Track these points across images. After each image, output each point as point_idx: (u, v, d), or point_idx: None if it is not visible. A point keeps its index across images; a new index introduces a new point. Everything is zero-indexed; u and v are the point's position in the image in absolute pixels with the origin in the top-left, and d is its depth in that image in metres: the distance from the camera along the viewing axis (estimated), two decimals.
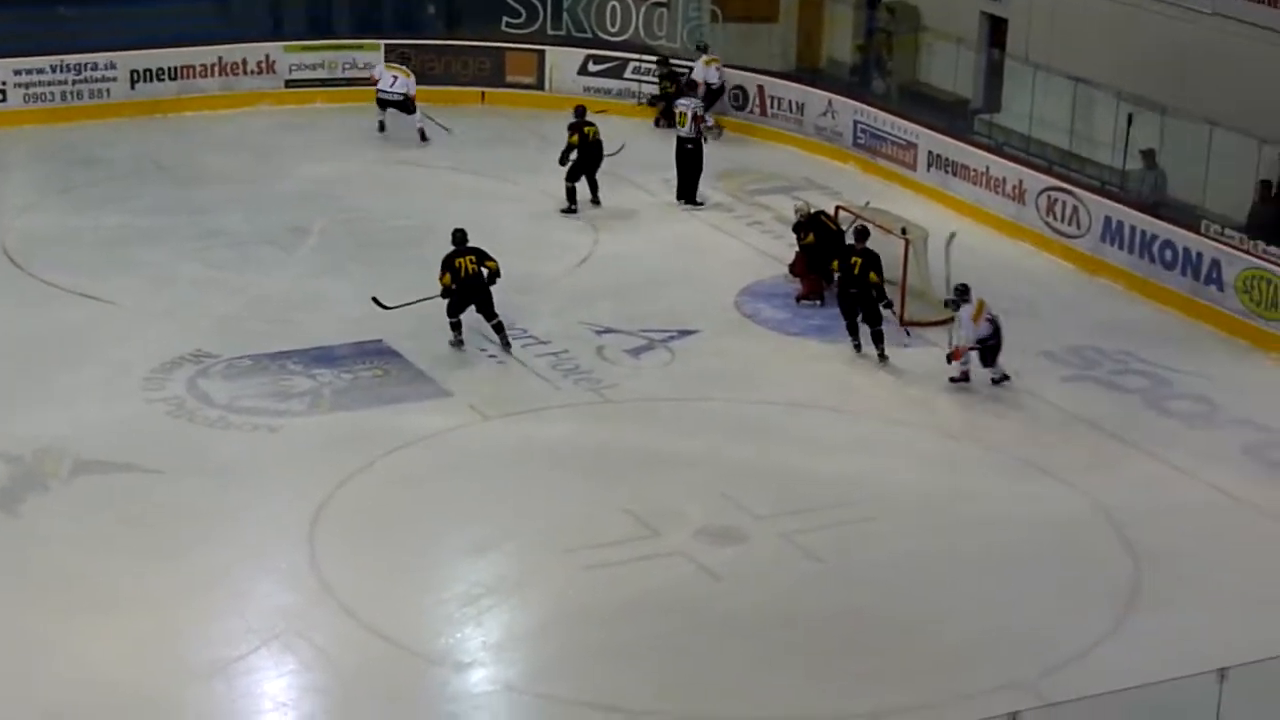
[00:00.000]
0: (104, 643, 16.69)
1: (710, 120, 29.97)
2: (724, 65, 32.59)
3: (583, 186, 28.28)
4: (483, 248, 23.17)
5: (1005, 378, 22.47)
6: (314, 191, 28.92)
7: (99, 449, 20.17)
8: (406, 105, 31.44)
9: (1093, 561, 18.77)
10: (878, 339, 23.23)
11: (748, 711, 16.26)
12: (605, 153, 28.51)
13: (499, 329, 23.11)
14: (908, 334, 23.50)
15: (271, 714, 16.04)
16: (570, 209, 28.23)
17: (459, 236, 23.26)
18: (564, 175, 28.17)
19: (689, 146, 28.79)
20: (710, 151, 29.33)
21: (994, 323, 22.34)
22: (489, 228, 26.60)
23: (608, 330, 23.79)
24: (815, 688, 16.59)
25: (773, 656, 17.02)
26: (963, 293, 22.36)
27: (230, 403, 21.49)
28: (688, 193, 28.74)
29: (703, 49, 32.56)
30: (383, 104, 31.59)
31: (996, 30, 31.64)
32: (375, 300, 23.50)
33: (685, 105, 29.05)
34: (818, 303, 24.59)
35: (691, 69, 32.30)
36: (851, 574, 18.42)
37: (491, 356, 22.99)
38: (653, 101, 32.88)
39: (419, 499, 19.62)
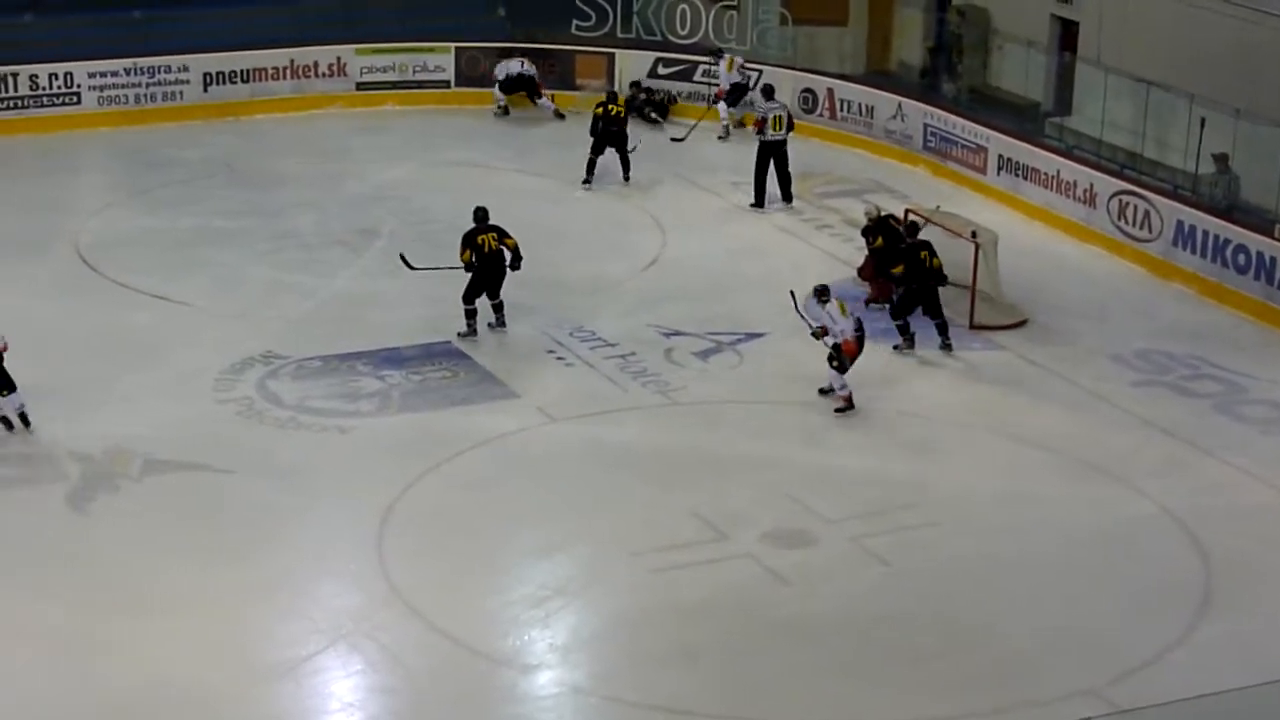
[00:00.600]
0: (172, 642, 16.78)
1: (726, 119, 31.45)
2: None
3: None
4: (503, 227, 23.41)
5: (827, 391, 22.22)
6: (384, 194, 29.03)
7: (169, 449, 20.29)
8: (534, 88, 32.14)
9: (1163, 567, 18.66)
10: (943, 330, 23.21)
11: (813, 716, 16.25)
12: (628, 146, 29.16)
13: (498, 308, 23.49)
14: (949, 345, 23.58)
15: (339, 714, 16.11)
16: (586, 182, 29.21)
17: (480, 214, 23.52)
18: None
19: (782, 149, 28.69)
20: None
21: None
22: (556, 229, 26.76)
23: (675, 333, 23.78)
24: (881, 692, 16.54)
25: (839, 661, 16.98)
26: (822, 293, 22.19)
27: (300, 404, 21.59)
28: (786, 193, 28.79)
29: (717, 53, 32.67)
30: (511, 86, 32.19)
31: (1067, 33, 31.49)
32: (402, 257, 23.94)
33: (777, 109, 28.89)
34: (886, 306, 24.51)
35: (759, 71, 32.22)
36: (919, 578, 18.37)
37: (559, 359, 23.01)
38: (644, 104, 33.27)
39: (486, 501, 19.66)
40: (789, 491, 19.79)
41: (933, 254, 23.29)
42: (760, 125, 28.69)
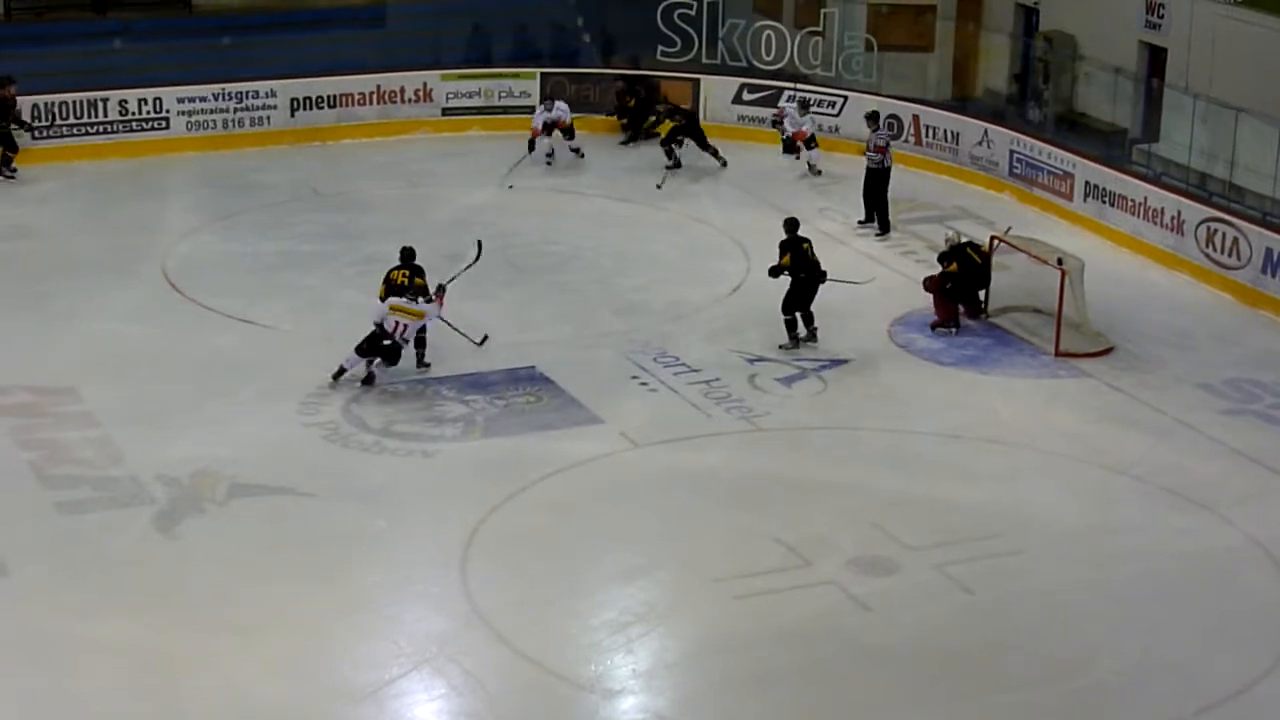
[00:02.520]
0: (255, 664, 16.86)
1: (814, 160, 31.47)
2: (886, 95, 32.63)
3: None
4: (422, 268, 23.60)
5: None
6: (468, 218, 29.10)
7: (255, 472, 20.40)
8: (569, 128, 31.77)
9: (1250, 597, 18.48)
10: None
11: None
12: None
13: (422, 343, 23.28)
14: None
15: None
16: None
17: (405, 254, 23.71)
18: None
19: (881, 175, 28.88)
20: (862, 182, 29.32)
21: None
22: (641, 254, 26.77)
23: (759, 358, 23.75)
24: None
25: (922, 689, 16.89)
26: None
27: (385, 428, 21.66)
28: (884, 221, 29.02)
29: (802, 102, 32.45)
30: (548, 128, 31.85)
31: (1155, 59, 31.34)
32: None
33: (883, 138, 29.03)
34: (952, 330, 24.45)
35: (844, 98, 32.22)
36: (1002, 606, 18.26)
37: (643, 384, 23.01)
38: (621, 114, 33.47)
39: (570, 525, 19.67)
40: (872, 518, 19.71)
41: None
42: (882, 151, 28.77)
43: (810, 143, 31.45)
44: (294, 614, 17.67)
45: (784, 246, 24.07)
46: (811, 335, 24.02)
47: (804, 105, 31.70)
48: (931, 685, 16.95)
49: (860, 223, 28.97)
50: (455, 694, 16.60)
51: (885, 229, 28.66)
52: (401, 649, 17.16)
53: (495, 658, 17.10)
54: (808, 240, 24.26)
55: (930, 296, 25.03)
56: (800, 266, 23.91)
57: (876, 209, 28.79)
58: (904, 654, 17.39)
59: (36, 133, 30.69)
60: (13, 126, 29.81)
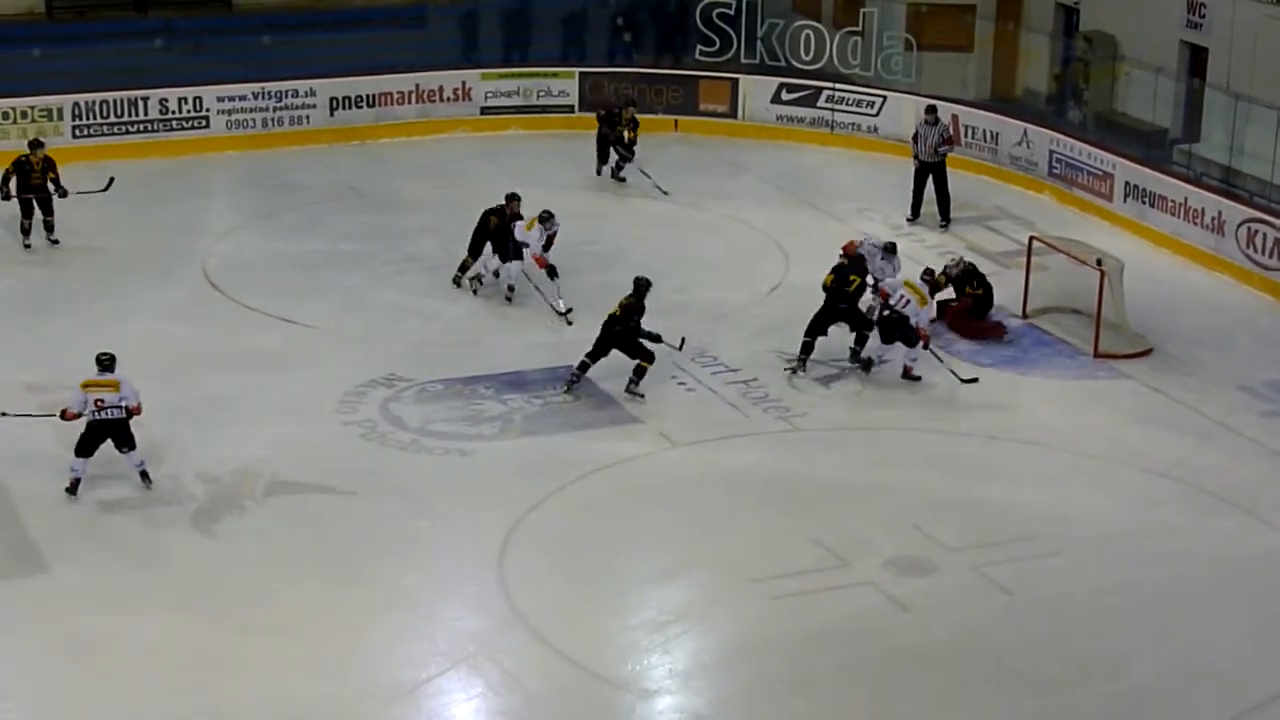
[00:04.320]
0: (294, 662, 16.91)
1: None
2: (925, 95, 32.53)
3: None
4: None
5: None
6: None
7: (293, 471, 20.45)
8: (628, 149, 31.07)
9: None
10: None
11: None
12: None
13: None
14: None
15: None
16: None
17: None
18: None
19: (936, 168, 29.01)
20: (905, 184, 29.25)
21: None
22: (681, 255, 26.77)
23: (785, 354, 23.70)
24: None
25: (959, 689, 16.87)
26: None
27: (422, 426, 21.70)
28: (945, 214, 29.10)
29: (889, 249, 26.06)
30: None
31: (1196, 59, 31.21)
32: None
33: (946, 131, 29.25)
34: (1003, 336, 24.44)
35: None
36: (1040, 608, 18.22)
37: (681, 384, 23.01)
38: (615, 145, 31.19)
39: (608, 525, 19.68)
40: (910, 519, 19.69)
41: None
42: (949, 144, 29.30)
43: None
44: (331, 612, 17.72)
45: (834, 268, 23.77)
46: (862, 364, 23.58)
47: (889, 250, 25.35)
48: (969, 687, 16.93)
49: (909, 220, 28.95)
50: (493, 693, 16.63)
51: (947, 220, 28.69)
52: (439, 648, 17.19)
53: (533, 657, 17.12)
54: (858, 277, 23.50)
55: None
56: (833, 293, 23.54)
57: (940, 202, 28.78)
58: (941, 655, 17.37)
59: (76, 131, 30.76)
60: (52, 191, 26.91)
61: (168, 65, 33.10)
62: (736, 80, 34.07)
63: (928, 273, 23.72)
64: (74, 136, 31.15)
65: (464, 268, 25.71)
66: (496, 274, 25.49)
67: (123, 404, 19.55)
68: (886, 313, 23.16)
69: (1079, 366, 23.78)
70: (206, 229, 28.36)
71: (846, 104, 33.25)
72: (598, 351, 22.47)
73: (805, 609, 18.03)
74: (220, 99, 32.20)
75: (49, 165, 26.84)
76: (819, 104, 33.50)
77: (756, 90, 33.94)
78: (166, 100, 31.87)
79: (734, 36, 34.35)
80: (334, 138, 32.76)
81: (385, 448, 21.23)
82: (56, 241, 27.10)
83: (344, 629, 17.47)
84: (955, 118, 31.93)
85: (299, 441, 21.24)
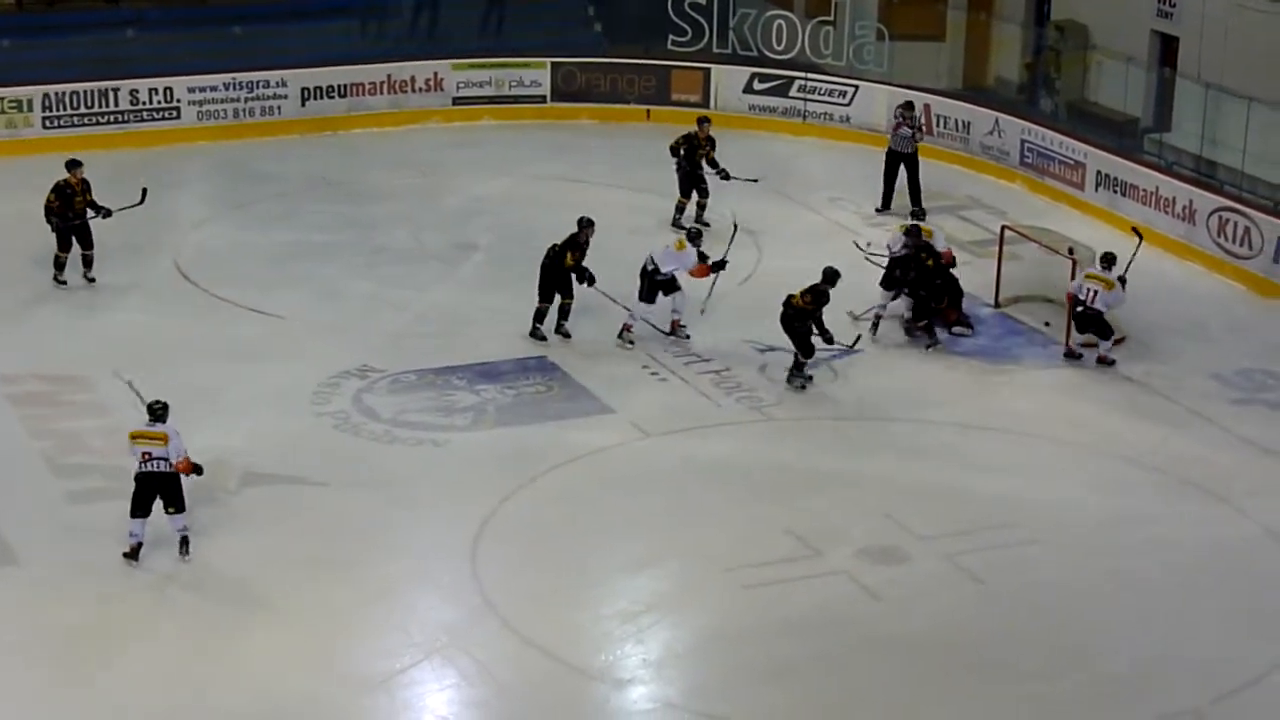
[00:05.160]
0: (267, 653, 16.89)
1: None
2: (897, 85, 32.61)
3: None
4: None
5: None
6: (480, 208, 29.13)
7: (267, 462, 20.42)
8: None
9: (1263, 587, 18.48)
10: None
11: None
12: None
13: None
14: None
15: None
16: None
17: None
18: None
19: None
20: (877, 174, 29.27)
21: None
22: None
23: (770, 348, 23.71)
24: (976, 711, 16.46)
25: (933, 679, 16.89)
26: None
27: (395, 417, 21.67)
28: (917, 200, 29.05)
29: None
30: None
31: (1167, 48, 31.27)
32: None
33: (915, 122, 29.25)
34: (968, 331, 24.39)
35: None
36: (1014, 596, 18.25)
37: (653, 374, 23.01)
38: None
39: (580, 515, 19.67)
40: (883, 508, 19.71)
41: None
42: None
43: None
44: (305, 603, 17.70)
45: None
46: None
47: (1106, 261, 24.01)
48: (942, 675, 16.95)
49: (879, 210, 29.01)
50: (466, 683, 16.62)
51: (920, 209, 28.70)
52: (412, 638, 17.18)
53: (506, 647, 17.12)
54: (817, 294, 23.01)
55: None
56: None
57: (911, 191, 28.85)
58: (915, 644, 17.39)
59: (47, 122, 30.56)
60: (89, 216, 25.23)
61: (139, 56, 33.00)
62: (709, 70, 34.05)
63: (1106, 258, 23.45)
64: (44, 128, 31.06)
65: (540, 316, 23.94)
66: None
67: (169, 458, 18.18)
68: (1080, 309, 23.07)
69: (1052, 355, 23.81)
70: (178, 220, 28.27)
71: (819, 93, 33.26)
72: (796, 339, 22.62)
73: (778, 598, 18.05)
74: (191, 90, 32.11)
75: (86, 186, 25.18)
76: (791, 94, 33.50)
77: (729, 80, 33.92)
78: (137, 91, 31.77)
79: (706, 26, 34.32)
80: (306, 128, 32.68)
81: (358, 439, 21.21)
82: (93, 279, 25.33)
83: (317, 620, 17.44)
84: (928, 107, 31.96)
85: (273, 433, 21.20)
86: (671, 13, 34.24)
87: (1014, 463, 21.09)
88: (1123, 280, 23.41)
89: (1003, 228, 25.84)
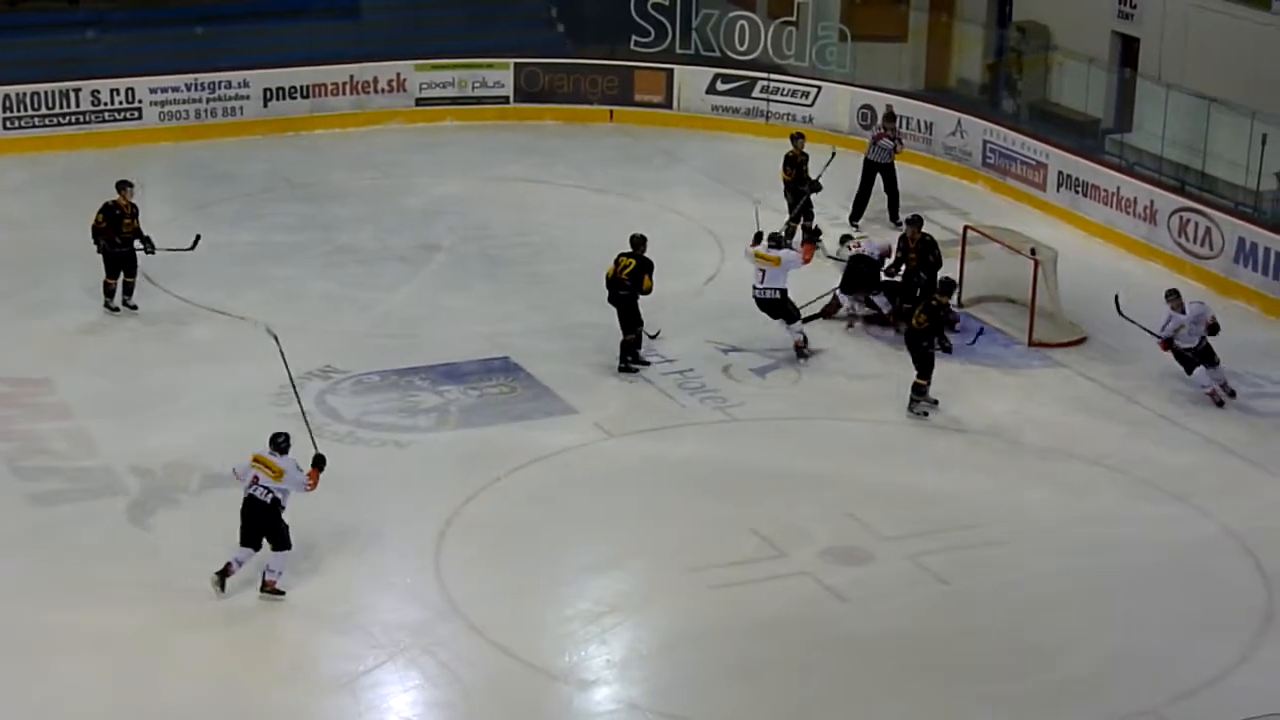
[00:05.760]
0: (230, 655, 16.86)
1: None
2: (859, 86, 32.65)
3: None
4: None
5: None
6: (443, 209, 29.10)
7: (228, 463, 20.22)
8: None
9: (1225, 587, 18.54)
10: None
11: None
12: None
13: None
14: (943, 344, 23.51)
15: None
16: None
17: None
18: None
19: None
20: (840, 175, 29.25)
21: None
22: (615, 245, 26.68)
23: (734, 349, 23.75)
24: (939, 711, 16.50)
25: (897, 679, 16.92)
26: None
27: (359, 418, 21.64)
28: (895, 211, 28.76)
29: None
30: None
31: (1128, 49, 31.40)
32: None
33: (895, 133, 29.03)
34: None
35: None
36: (977, 596, 18.30)
37: (618, 374, 23.01)
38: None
39: (544, 516, 19.66)
40: (847, 508, 19.74)
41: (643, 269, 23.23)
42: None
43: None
44: (267, 605, 17.65)
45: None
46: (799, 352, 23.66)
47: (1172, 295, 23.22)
48: (905, 675, 16.98)
49: (854, 223, 28.46)
50: (430, 685, 16.60)
51: (899, 220, 28.36)
52: (376, 640, 17.15)
53: (470, 648, 17.11)
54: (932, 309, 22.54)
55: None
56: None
57: (890, 202, 28.67)
58: (878, 644, 17.43)
59: (8, 123, 30.36)
60: (137, 245, 24.59)
61: (100, 56, 32.89)
62: (671, 71, 34.08)
63: (1172, 294, 22.73)
64: (5, 128, 30.94)
65: (632, 346, 23.31)
66: None
67: (277, 492, 17.86)
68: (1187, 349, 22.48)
69: (1014, 355, 23.88)
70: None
71: (781, 94, 33.31)
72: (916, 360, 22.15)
73: (742, 599, 18.06)
74: (153, 90, 32.03)
75: (135, 210, 24.53)
76: (754, 94, 33.54)
77: (691, 80, 33.95)
78: (99, 92, 31.68)
79: (669, 27, 34.33)
80: (268, 129, 32.62)
81: (321, 439, 21.09)
82: (135, 307, 24.62)
83: (280, 622, 17.42)
84: (890, 107, 32.00)
85: (234, 434, 21.06)
86: (634, 13, 34.24)
87: (977, 463, 21.14)
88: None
89: (965, 228, 25.92)
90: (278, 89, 32.82)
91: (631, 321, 22.95)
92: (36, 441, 20.81)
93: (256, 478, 17.91)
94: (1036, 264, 24.14)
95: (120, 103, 31.85)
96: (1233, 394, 22.47)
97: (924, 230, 24.58)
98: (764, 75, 33.48)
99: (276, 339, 19.07)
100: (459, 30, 35.09)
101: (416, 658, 16.92)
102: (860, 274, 24.47)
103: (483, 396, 22.31)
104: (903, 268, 24.37)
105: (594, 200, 29.80)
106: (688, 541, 19.09)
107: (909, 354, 22.23)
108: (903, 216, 26.78)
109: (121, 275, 24.58)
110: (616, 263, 23.03)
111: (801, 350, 23.61)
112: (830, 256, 25.38)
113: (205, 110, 32.42)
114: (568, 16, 36.16)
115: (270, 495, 17.81)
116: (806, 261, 24.00)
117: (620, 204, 29.51)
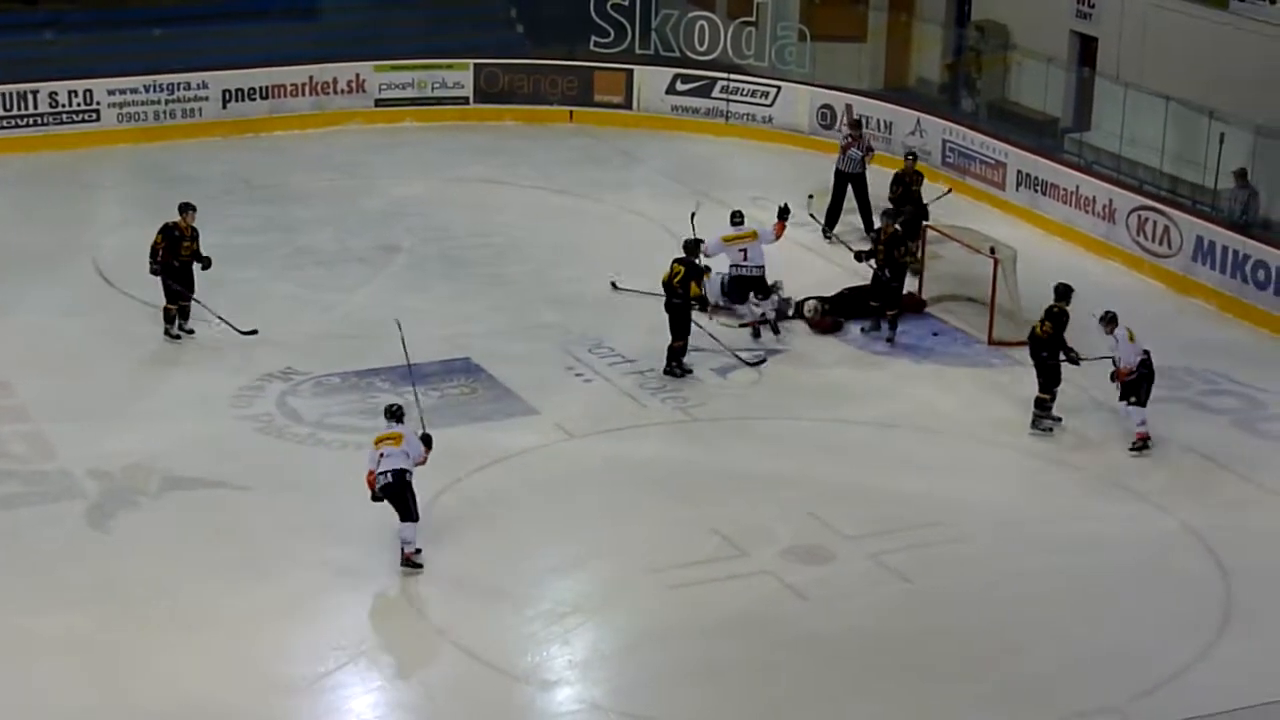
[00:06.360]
0: (192, 658, 16.79)
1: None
2: (819, 85, 32.71)
3: None
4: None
5: None
6: (403, 210, 29.05)
7: (188, 466, 20.30)
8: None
9: (1184, 584, 18.61)
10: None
11: None
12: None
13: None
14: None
15: None
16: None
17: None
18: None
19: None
20: (800, 174, 29.33)
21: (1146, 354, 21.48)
22: (575, 246, 26.77)
23: (694, 349, 23.74)
24: (901, 710, 16.52)
25: (859, 678, 16.95)
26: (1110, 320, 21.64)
27: (319, 420, 21.60)
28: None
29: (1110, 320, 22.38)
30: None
31: (1086, 48, 31.50)
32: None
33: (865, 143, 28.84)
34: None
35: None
36: (939, 595, 18.33)
37: (578, 375, 23.01)
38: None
39: (505, 517, 19.65)
40: (808, 508, 19.76)
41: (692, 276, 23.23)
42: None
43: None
44: (228, 607, 17.61)
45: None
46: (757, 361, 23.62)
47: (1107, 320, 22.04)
48: (868, 674, 17.01)
49: (827, 235, 28.10)
50: (391, 686, 16.60)
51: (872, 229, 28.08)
52: (338, 641, 17.12)
53: (431, 649, 17.12)
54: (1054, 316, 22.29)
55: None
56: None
57: (862, 212, 28.43)
58: (840, 643, 17.45)
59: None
60: (198, 267, 23.89)
61: (58, 58, 32.77)
62: (631, 71, 34.08)
63: (1107, 316, 21.77)
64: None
65: (678, 354, 23.18)
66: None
67: (404, 463, 18.23)
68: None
69: (974, 354, 23.95)
70: (98, 223, 28.13)
71: (741, 94, 33.35)
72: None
73: (704, 598, 18.06)
74: (111, 92, 31.91)
75: (195, 234, 23.74)
76: (713, 94, 33.58)
77: (651, 81, 33.97)
78: (56, 94, 31.56)
79: (628, 27, 34.33)
80: (227, 130, 32.53)
81: (282, 441, 21.13)
82: (191, 331, 23.77)
83: (242, 624, 17.36)
84: (849, 107, 32.08)
85: (194, 436, 21.09)
86: (594, 13, 34.23)
87: (936, 462, 21.18)
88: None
89: (925, 227, 25.96)
90: (237, 90, 32.73)
91: (679, 329, 22.91)
92: None
93: (383, 455, 18.23)
94: (996, 263, 24.21)
95: (78, 104, 31.73)
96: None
97: (896, 226, 24.58)
98: (724, 75, 33.52)
99: (399, 326, 19.80)
100: (418, 31, 35.02)
101: (378, 659, 16.92)
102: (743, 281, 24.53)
103: (444, 397, 22.28)
104: (872, 261, 24.45)
105: (555, 201, 29.79)
106: (649, 542, 19.10)
107: (1032, 364, 21.91)
108: (879, 223, 26.54)
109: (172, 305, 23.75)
110: (670, 268, 22.99)
111: (758, 328, 23.95)
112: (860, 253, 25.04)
113: (164, 112, 32.31)
114: (527, 17, 36.14)
115: (398, 469, 18.17)
116: (777, 238, 24.46)
117: (581, 205, 29.52)
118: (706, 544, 19.00)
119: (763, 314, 24.29)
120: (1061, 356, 21.83)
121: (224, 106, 32.67)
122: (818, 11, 34.61)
